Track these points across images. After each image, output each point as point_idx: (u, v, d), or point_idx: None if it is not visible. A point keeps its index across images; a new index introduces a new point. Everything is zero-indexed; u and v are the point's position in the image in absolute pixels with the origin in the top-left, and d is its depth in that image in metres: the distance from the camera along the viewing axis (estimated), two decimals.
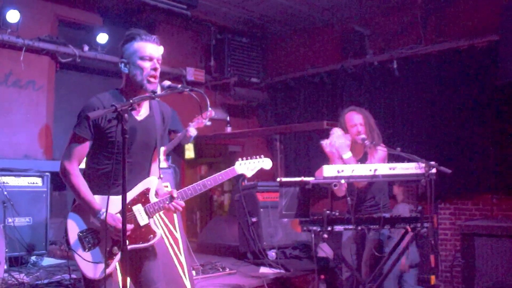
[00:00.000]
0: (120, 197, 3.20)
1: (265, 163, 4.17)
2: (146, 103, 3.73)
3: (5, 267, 5.40)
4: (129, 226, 3.51)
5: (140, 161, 3.70)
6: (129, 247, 3.47)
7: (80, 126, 3.49)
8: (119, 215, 3.45)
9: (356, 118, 5.93)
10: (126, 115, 3.17)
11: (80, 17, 9.04)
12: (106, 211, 3.33)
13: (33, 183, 7.07)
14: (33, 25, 8.25)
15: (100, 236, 3.50)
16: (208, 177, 3.86)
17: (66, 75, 8.93)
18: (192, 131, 6.89)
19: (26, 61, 8.06)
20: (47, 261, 7.04)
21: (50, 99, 8.62)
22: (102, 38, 8.77)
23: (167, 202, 3.67)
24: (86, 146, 3.53)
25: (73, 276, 5.76)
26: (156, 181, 3.77)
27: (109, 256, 3.48)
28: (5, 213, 6.46)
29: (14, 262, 6.62)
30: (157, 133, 3.76)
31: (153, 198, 3.68)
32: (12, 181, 6.87)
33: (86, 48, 8.68)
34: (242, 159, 4.10)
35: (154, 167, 3.91)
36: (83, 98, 8.77)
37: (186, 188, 3.78)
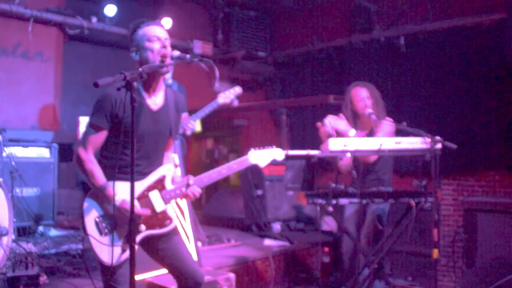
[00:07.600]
0: (135, 183, 3.18)
1: (278, 153, 4.05)
2: (161, 93, 3.74)
3: (13, 237, 5.45)
4: (146, 211, 3.55)
5: (155, 150, 3.73)
6: (146, 232, 3.57)
7: (97, 115, 3.50)
8: (136, 201, 3.49)
9: (362, 92, 5.94)
10: (135, 83, 3.12)
11: None
12: (113, 195, 3.35)
13: (41, 154, 7.12)
14: None
15: (116, 221, 3.50)
16: (223, 165, 3.84)
17: (74, 47, 8.91)
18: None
19: (34, 32, 8.05)
20: (55, 231, 7.12)
21: (58, 70, 8.62)
22: (110, 10, 8.74)
23: (184, 189, 3.68)
24: (102, 135, 3.54)
25: (80, 246, 5.84)
26: (172, 169, 3.80)
27: (125, 241, 3.47)
28: (13, 184, 6.51)
29: (22, 232, 6.69)
30: (171, 122, 3.77)
31: (169, 185, 3.71)
32: (20, 151, 6.91)
33: (94, 19, 8.65)
34: (255, 149, 3.98)
35: (169, 155, 3.95)
36: (91, 70, 8.86)
37: (202, 175, 3.78)
